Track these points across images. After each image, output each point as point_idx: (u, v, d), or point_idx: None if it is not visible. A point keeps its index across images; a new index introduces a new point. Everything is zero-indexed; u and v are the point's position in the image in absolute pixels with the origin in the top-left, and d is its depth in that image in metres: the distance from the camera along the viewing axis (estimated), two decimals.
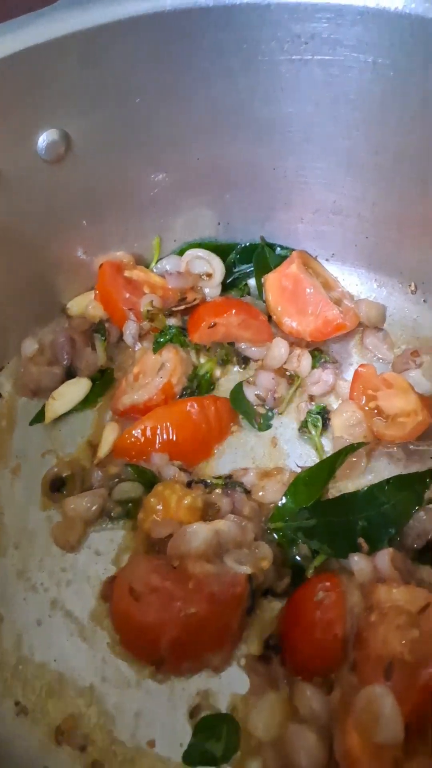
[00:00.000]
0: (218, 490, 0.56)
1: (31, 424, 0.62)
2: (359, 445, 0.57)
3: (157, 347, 0.62)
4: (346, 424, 0.59)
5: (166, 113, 0.58)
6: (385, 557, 0.50)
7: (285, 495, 0.55)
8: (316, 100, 0.58)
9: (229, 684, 0.49)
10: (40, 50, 0.51)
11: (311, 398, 0.63)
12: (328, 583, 0.49)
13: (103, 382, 0.64)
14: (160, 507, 0.53)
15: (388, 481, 0.55)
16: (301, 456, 0.60)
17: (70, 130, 0.56)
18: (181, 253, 0.67)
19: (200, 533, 0.51)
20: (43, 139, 0.55)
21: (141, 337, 0.65)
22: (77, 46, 0.52)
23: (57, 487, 0.59)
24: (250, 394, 0.63)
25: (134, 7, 0.52)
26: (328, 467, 0.56)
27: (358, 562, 0.51)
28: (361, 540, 0.52)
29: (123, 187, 0.61)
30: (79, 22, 0.52)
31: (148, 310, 0.63)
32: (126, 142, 0.58)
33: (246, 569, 0.49)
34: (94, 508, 0.56)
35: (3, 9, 0.63)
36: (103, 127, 0.57)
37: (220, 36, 0.55)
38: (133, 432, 0.59)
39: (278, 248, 0.69)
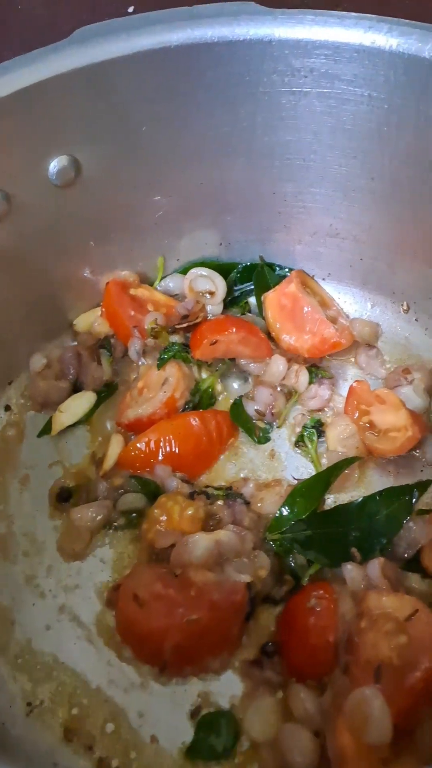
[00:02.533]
0: (219, 501, 0.59)
1: (39, 436, 0.64)
2: (354, 459, 0.60)
3: (161, 363, 0.65)
4: (340, 437, 0.62)
5: (170, 141, 0.61)
6: (375, 566, 0.53)
7: (282, 506, 0.57)
8: (314, 129, 0.61)
9: (229, 686, 0.52)
10: (54, 82, 0.54)
11: (308, 413, 0.66)
12: (321, 591, 0.52)
13: (108, 395, 0.67)
14: (163, 518, 0.56)
15: (380, 493, 0.58)
16: (298, 468, 0.63)
17: (80, 157, 0.58)
18: (184, 272, 0.70)
19: (202, 543, 0.54)
20: (54, 165, 0.58)
21: (145, 353, 0.67)
22: (88, 78, 0.55)
23: (64, 497, 0.61)
24: (249, 408, 0.65)
25: (141, 42, 0.55)
26: (324, 480, 0.59)
27: (350, 571, 0.53)
28: (353, 550, 0.55)
29: (129, 210, 0.64)
30: (89, 56, 0.54)
31: (152, 328, 0.65)
32: (132, 168, 0.61)
33: (245, 578, 0.51)
34: (99, 518, 0.59)
35: (18, 43, 0.66)
36: (111, 154, 0.60)
37: (223, 70, 0.57)
38: (138, 444, 0.62)
39: (277, 268, 0.71)
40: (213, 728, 0.50)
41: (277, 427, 0.65)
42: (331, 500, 0.60)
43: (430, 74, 0.52)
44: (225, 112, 0.60)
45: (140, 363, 0.68)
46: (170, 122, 0.59)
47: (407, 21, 0.54)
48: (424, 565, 0.55)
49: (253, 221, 0.68)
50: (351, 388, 0.64)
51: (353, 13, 0.55)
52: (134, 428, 0.64)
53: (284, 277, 0.70)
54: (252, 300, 0.72)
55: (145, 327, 0.66)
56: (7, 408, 0.66)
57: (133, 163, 0.61)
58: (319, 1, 0.73)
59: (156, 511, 0.58)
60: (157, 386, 0.66)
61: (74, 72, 0.54)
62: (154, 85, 0.57)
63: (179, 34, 0.55)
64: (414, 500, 0.57)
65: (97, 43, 0.55)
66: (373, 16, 0.55)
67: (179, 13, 0.56)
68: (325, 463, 0.62)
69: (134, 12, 0.76)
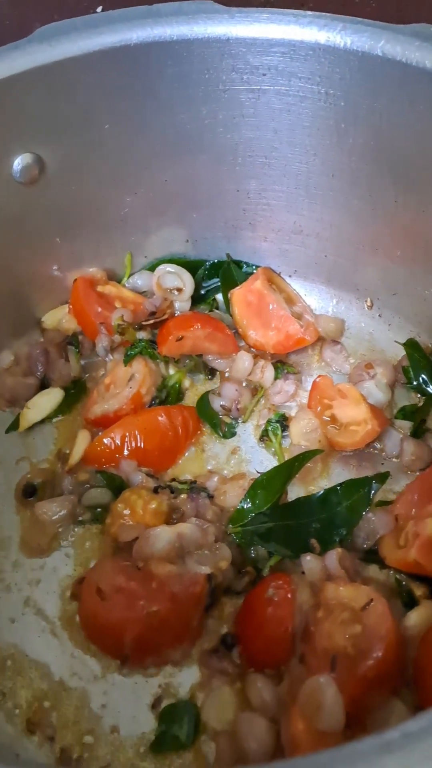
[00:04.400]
0: (183, 495, 0.59)
1: (6, 432, 0.65)
2: (315, 452, 0.60)
3: (128, 359, 0.65)
4: (303, 431, 0.63)
5: (132, 138, 0.61)
6: (333, 557, 0.54)
7: (244, 499, 0.58)
8: (274, 127, 0.61)
9: (189, 676, 0.53)
10: (16, 80, 0.55)
11: (272, 407, 0.66)
12: (279, 582, 0.53)
13: (76, 392, 0.67)
14: (127, 512, 0.57)
15: (340, 485, 0.59)
16: (262, 462, 0.64)
17: (44, 155, 0.59)
18: (152, 268, 0.71)
19: (163, 536, 0.55)
20: (18, 163, 0.58)
21: (112, 349, 0.68)
22: (50, 76, 0.56)
23: (29, 492, 0.62)
24: (215, 403, 0.66)
25: (102, 40, 0.56)
26: (284, 472, 0.59)
27: (309, 561, 0.54)
28: (313, 541, 0.56)
29: (94, 207, 0.65)
30: (51, 55, 0.55)
31: (119, 324, 0.66)
32: (96, 166, 0.62)
33: (206, 569, 0.52)
34: (63, 512, 0.59)
35: None
36: (75, 151, 0.60)
37: (182, 68, 0.58)
38: (103, 440, 0.62)
39: (244, 265, 0.72)
40: (175, 719, 0.50)
41: (243, 422, 0.66)
42: (294, 493, 0.61)
43: (383, 71, 0.53)
44: (186, 109, 0.61)
45: (107, 359, 0.68)
46: (132, 120, 0.60)
47: (360, 19, 0.55)
48: (382, 556, 0.55)
49: (219, 218, 0.69)
50: (314, 383, 0.65)
51: (309, 12, 0.56)
52: (101, 424, 0.65)
53: (251, 274, 0.70)
54: (219, 297, 0.72)
55: (112, 324, 0.67)
56: None
57: (97, 161, 0.61)
58: (283, 2, 0.74)
59: (119, 505, 0.58)
60: (123, 382, 0.67)
61: (36, 70, 0.55)
62: (116, 83, 0.58)
63: (139, 32, 0.56)
64: (373, 492, 0.58)
65: (58, 41, 0.55)
66: (328, 14, 0.56)
67: (139, 11, 0.57)
68: (288, 457, 0.62)
69: (103, 11, 0.76)
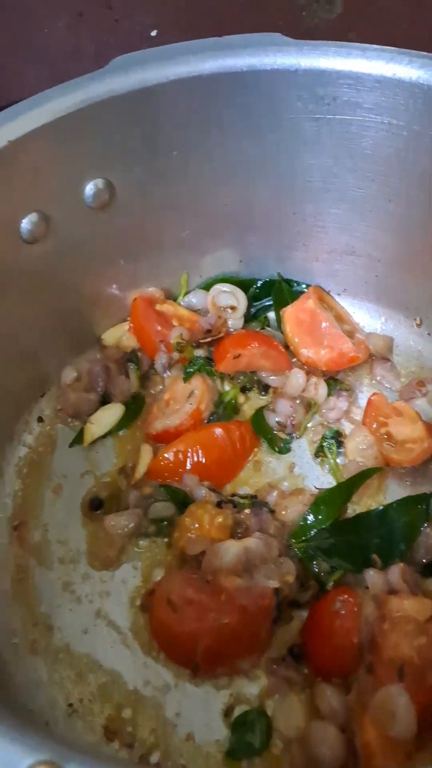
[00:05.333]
0: (246, 510, 0.62)
1: (70, 446, 0.67)
2: (375, 470, 0.62)
3: (187, 376, 0.67)
4: (359, 447, 0.65)
5: (199, 165, 0.63)
6: (395, 572, 0.56)
7: (307, 514, 0.60)
8: (335, 153, 0.64)
9: (258, 685, 0.55)
10: (92, 109, 0.57)
11: (326, 424, 0.68)
12: (345, 596, 0.55)
13: (136, 407, 0.70)
14: (195, 526, 0.59)
15: (398, 501, 0.61)
16: (318, 478, 0.66)
17: (114, 181, 0.61)
18: (206, 287, 0.73)
19: (232, 550, 0.57)
20: (90, 188, 0.60)
21: (170, 366, 0.70)
22: (124, 105, 0.58)
23: (95, 506, 0.64)
24: (271, 419, 0.68)
25: (176, 70, 0.58)
26: (346, 489, 0.62)
27: (372, 576, 0.56)
28: (375, 556, 0.58)
29: (157, 231, 0.67)
30: (127, 84, 0.57)
31: (178, 342, 0.68)
32: (162, 191, 0.64)
33: (274, 583, 0.54)
34: (131, 525, 0.61)
35: (46, 65, 0.68)
36: (143, 177, 0.62)
37: (250, 98, 0.60)
38: (166, 455, 0.64)
39: (294, 284, 0.74)
40: (248, 727, 0.52)
41: (297, 437, 0.68)
42: (352, 509, 0.63)
43: None
44: (250, 137, 0.63)
45: (165, 375, 0.70)
46: (199, 147, 0.62)
47: (426, 54, 0.57)
48: None
49: (273, 240, 0.71)
50: (369, 401, 0.67)
51: (374, 45, 0.58)
52: (161, 439, 0.67)
53: (301, 292, 0.73)
54: (271, 315, 0.75)
55: (171, 341, 0.69)
56: (40, 419, 0.68)
57: (164, 187, 0.63)
58: (326, 32, 0.76)
59: (187, 519, 0.60)
60: (183, 398, 0.69)
61: (112, 99, 0.57)
62: (186, 112, 0.60)
63: (210, 63, 0.58)
64: (430, 508, 0.61)
65: (134, 71, 0.57)
66: (394, 48, 0.58)
67: (209, 43, 0.59)
68: (344, 472, 0.65)
69: (157, 35, 0.78)
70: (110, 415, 0.68)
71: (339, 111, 0.61)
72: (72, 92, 0.56)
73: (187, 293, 0.73)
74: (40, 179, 0.57)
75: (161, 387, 0.71)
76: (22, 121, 0.54)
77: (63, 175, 0.58)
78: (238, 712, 0.54)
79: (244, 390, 0.71)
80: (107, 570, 0.60)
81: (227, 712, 0.54)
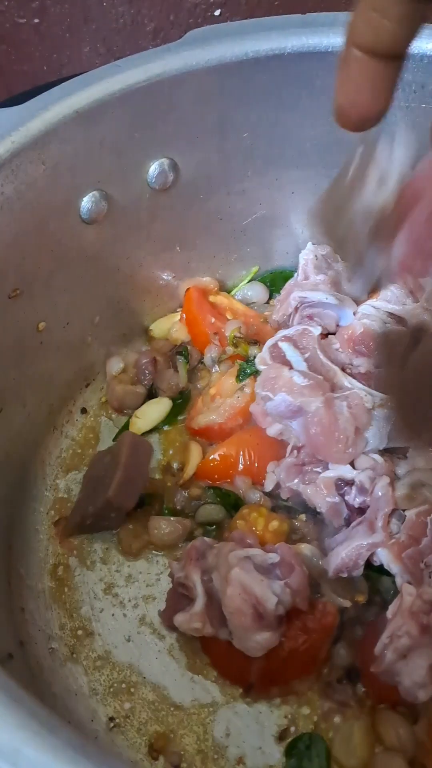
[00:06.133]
0: (302, 516, 0.58)
1: (113, 440, 0.63)
2: None
3: (244, 377, 0.63)
4: None
5: (269, 149, 0.60)
6: None
7: None
8: (417, 146, 0.60)
9: (314, 708, 0.51)
10: (164, 83, 0.53)
11: None
12: None
13: (183, 402, 0.66)
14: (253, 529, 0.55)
15: None
16: None
17: (179, 161, 0.57)
18: (262, 280, 0.69)
19: None
20: (155, 168, 0.57)
21: (220, 360, 0.66)
22: (197, 81, 0.54)
23: (138, 503, 0.60)
24: None
25: (255, 47, 0.54)
26: None
27: None
28: None
29: (218, 217, 0.63)
30: (202, 59, 0.54)
31: (234, 336, 0.64)
32: (228, 175, 0.60)
33: (345, 603, 0.50)
34: (176, 535, 0.57)
35: (102, 41, 0.64)
36: (210, 158, 0.59)
37: (331, 79, 0.56)
38: (217, 455, 0.61)
39: None
40: (305, 753, 0.49)
41: None
42: None
43: None
44: (327, 121, 0.58)
45: (214, 370, 0.67)
46: (272, 129, 0.58)
47: None
48: None
49: None
50: None
51: None
52: (204, 434, 0.63)
53: None
54: None
55: (227, 335, 0.65)
56: (84, 411, 0.64)
57: (230, 170, 0.60)
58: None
59: (239, 522, 0.56)
60: (231, 394, 0.65)
61: (185, 74, 0.54)
62: (262, 91, 0.56)
63: (294, 41, 0.54)
64: None
65: (210, 45, 0.54)
66: None
67: (292, 20, 0.55)
68: None
69: (221, 15, 0.74)
70: (157, 409, 0.64)
71: (423, 99, 0.57)
72: (145, 64, 0.52)
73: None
74: (105, 155, 0.54)
75: (207, 382, 0.67)
76: (93, 90, 0.51)
77: (129, 152, 0.54)
78: (293, 736, 0.50)
79: None
80: (153, 571, 0.56)
81: (282, 735, 0.50)
